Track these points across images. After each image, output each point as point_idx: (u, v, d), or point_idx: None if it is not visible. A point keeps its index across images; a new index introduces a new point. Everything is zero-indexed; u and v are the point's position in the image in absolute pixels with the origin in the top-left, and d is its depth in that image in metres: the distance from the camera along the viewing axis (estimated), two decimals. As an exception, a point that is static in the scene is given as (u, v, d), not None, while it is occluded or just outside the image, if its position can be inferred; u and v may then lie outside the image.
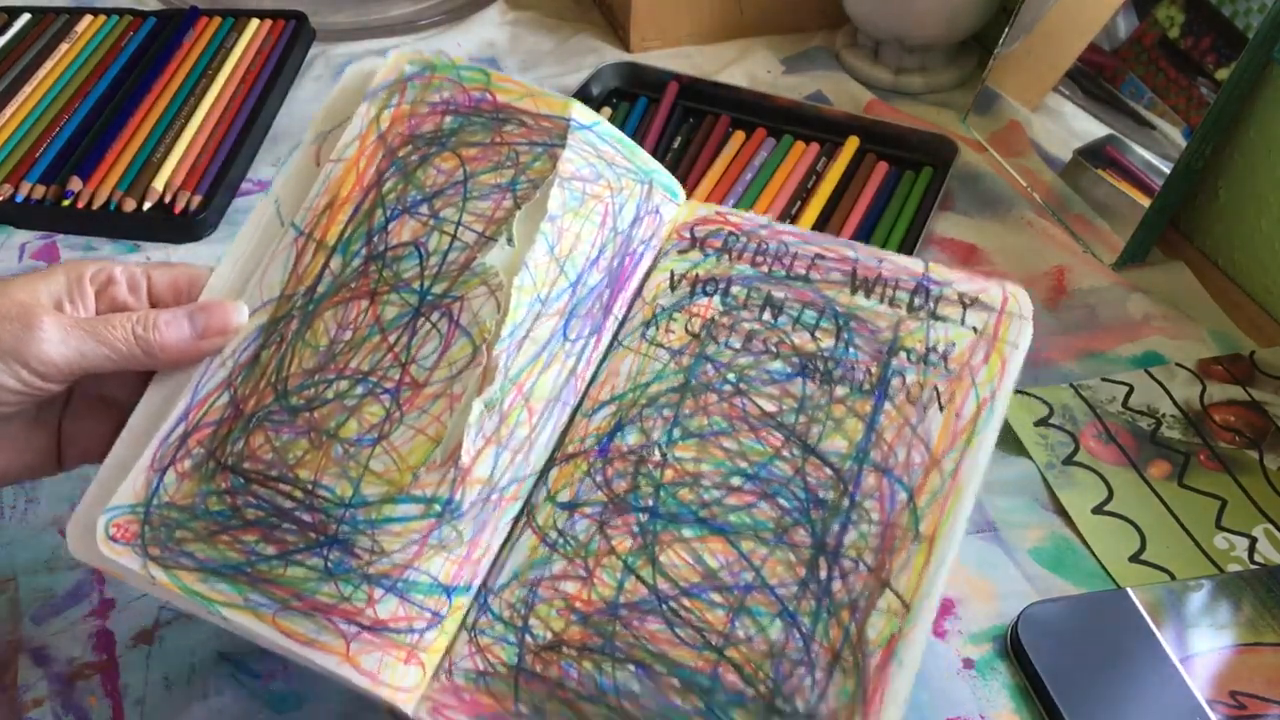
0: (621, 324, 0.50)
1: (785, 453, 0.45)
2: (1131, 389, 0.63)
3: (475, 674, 0.43)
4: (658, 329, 0.49)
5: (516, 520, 0.46)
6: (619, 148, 0.51)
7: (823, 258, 0.50)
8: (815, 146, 0.78)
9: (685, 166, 0.77)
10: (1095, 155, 0.75)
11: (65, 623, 0.52)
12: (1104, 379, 0.64)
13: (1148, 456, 0.60)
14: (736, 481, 0.45)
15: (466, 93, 0.51)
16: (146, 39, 0.87)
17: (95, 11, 0.89)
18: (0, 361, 0.44)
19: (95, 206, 0.74)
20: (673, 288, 0.50)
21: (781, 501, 0.44)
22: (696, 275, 0.50)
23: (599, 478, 0.46)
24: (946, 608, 0.54)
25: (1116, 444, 0.61)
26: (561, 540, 0.45)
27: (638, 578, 0.44)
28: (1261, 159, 0.69)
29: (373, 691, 0.41)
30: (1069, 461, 0.60)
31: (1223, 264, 0.73)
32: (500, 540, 0.45)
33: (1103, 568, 0.56)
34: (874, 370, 0.47)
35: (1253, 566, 0.55)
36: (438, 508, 0.44)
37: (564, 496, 0.46)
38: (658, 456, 0.46)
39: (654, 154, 0.77)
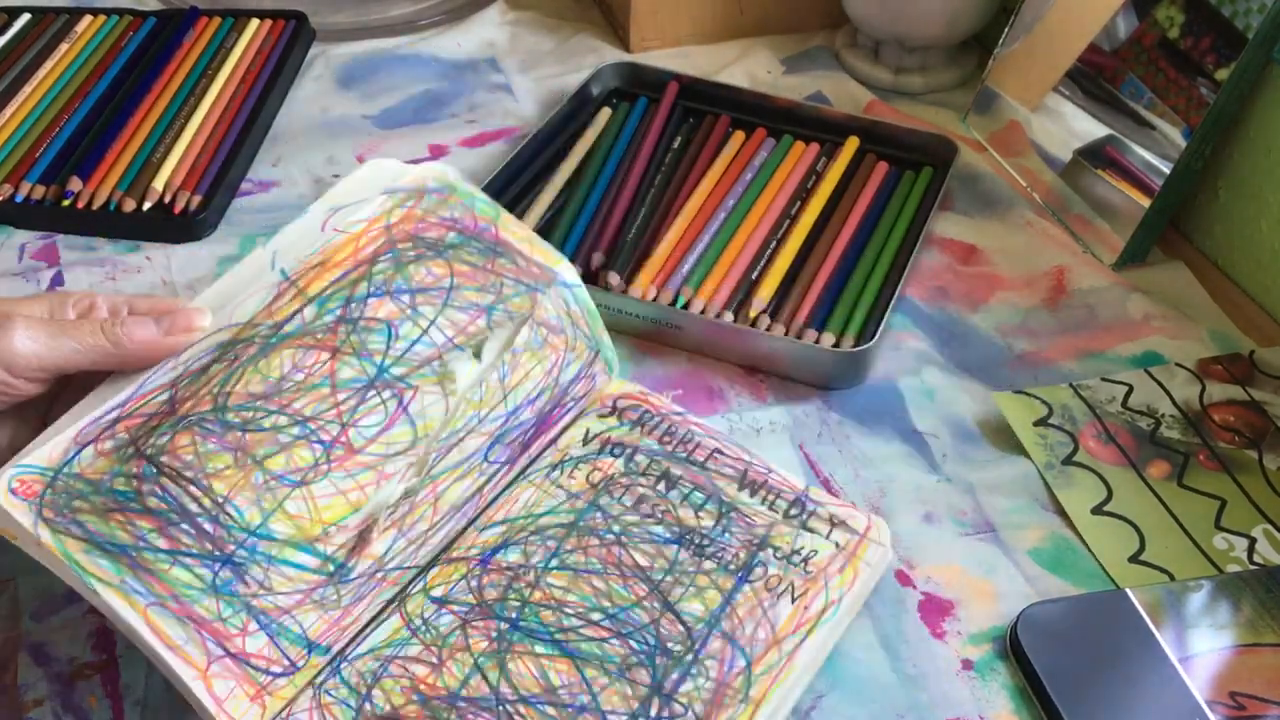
0: (532, 462, 0.55)
1: (646, 603, 0.50)
2: (1131, 389, 0.63)
3: None
4: (562, 473, 0.55)
5: (389, 603, 0.50)
6: (585, 313, 0.56)
7: (721, 453, 0.56)
8: (815, 146, 0.78)
9: (685, 166, 0.77)
10: (1095, 155, 0.75)
11: (65, 620, 0.52)
12: (1103, 379, 0.64)
13: (1147, 456, 0.60)
14: (596, 617, 0.50)
15: (475, 220, 0.55)
16: (146, 39, 0.87)
17: (95, 11, 0.89)
18: None
19: (95, 206, 0.74)
20: (585, 442, 0.56)
21: (632, 643, 0.49)
22: (609, 437, 0.57)
23: (474, 583, 0.51)
24: (946, 609, 0.54)
25: (1116, 444, 0.61)
26: (424, 628, 0.49)
27: (483, 676, 0.48)
28: (1261, 159, 0.69)
29: (213, 717, 0.43)
30: (1068, 462, 0.60)
31: (1222, 264, 0.73)
32: (370, 616, 0.49)
33: (1102, 568, 0.56)
34: (742, 556, 0.52)
35: (1252, 567, 0.55)
36: (331, 568, 0.47)
37: (438, 592, 0.50)
38: (531, 577, 0.51)
39: (654, 154, 0.78)
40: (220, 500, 0.45)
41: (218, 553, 0.45)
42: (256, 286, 0.50)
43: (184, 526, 0.44)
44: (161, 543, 0.44)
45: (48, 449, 0.45)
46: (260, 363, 0.48)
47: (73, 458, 0.45)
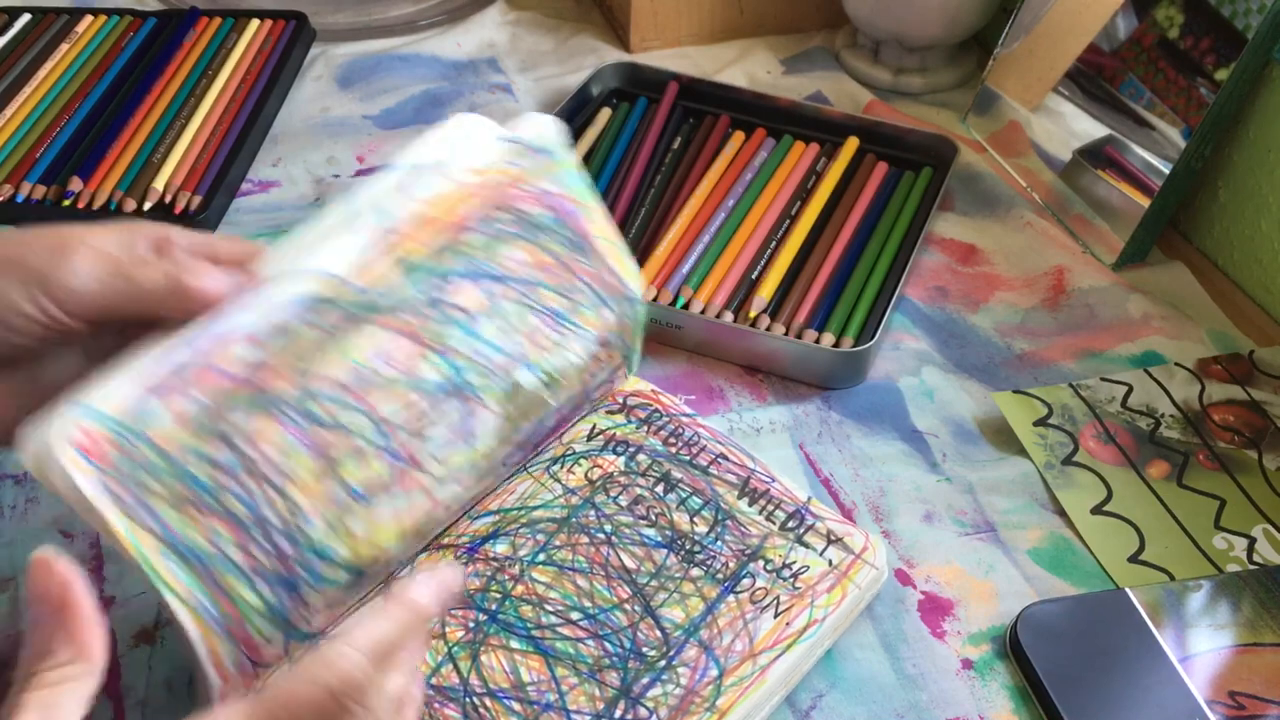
0: (536, 454, 0.55)
1: (627, 606, 0.50)
2: (1131, 389, 0.63)
3: None
4: (562, 467, 0.54)
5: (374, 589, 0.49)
6: (632, 327, 0.55)
7: (726, 459, 0.55)
8: (815, 146, 0.78)
9: (685, 166, 0.77)
10: (1095, 155, 0.75)
11: (66, 623, 0.52)
12: (1103, 379, 0.64)
13: (1147, 456, 0.60)
14: (575, 616, 0.49)
15: (568, 202, 0.51)
16: (146, 39, 0.87)
17: (95, 12, 0.89)
18: (24, 285, 0.41)
19: (95, 207, 0.74)
20: (589, 438, 0.56)
21: (607, 645, 0.49)
22: (614, 434, 0.56)
23: None
24: (945, 608, 0.54)
25: (1115, 444, 0.61)
26: None
27: (455, 666, 0.47)
28: (1261, 159, 0.69)
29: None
30: (1068, 462, 0.60)
31: (1223, 264, 0.73)
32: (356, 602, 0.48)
33: (1102, 568, 0.56)
34: (731, 566, 0.51)
35: (1251, 566, 0.55)
36: (354, 579, 0.46)
37: None
38: (516, 570, 0.50)
39: (654, 154, 0.78)
40: (297, 511, 0.42)
41: (285, 574, 0.41)
42: (352, 226, 0.45)
43: (259, 540, 0.41)
44: (238, 557, 0.40)
45: (117, 394, 0.39)
46: (345, 340, 0.44)
47: (144, 413, 0.39)
